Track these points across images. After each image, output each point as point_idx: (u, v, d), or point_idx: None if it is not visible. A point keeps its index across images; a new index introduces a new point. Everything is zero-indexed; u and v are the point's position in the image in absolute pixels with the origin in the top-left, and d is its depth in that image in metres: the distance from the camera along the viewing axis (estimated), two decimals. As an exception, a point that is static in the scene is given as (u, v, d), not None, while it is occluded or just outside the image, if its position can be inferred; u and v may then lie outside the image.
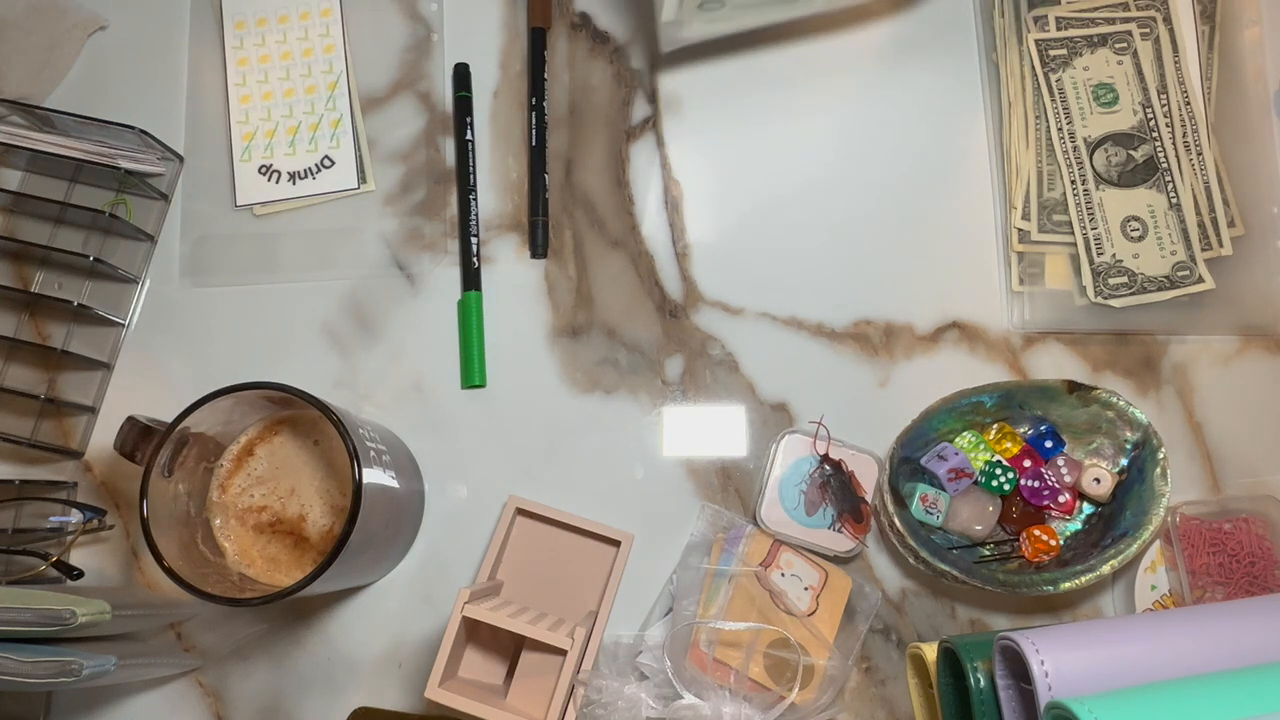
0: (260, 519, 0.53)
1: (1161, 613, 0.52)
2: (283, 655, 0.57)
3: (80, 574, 0.56)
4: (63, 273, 0.61)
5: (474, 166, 0.63)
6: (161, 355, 0.61)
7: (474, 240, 0.61)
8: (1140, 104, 0.61)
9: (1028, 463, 0.57)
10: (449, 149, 0.63)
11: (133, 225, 0.61)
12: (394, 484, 0.52)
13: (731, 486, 0.59)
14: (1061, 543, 0.56)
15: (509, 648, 0.54)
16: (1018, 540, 0.56)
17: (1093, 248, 0.59)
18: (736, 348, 0.61)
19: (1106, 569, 0.53)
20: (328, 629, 0.57)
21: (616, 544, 0.55)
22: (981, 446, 0.57)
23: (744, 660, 0.52)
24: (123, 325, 0.61)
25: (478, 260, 0.61)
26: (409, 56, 0.64)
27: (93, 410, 0.60)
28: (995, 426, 0.58)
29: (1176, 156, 0.59)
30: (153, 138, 0.60)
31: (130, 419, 0.49)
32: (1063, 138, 0.60)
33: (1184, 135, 0.60)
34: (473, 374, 0.60)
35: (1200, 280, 0.58)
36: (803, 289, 0.61)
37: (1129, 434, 0.56)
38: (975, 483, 0.57)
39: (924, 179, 0.62)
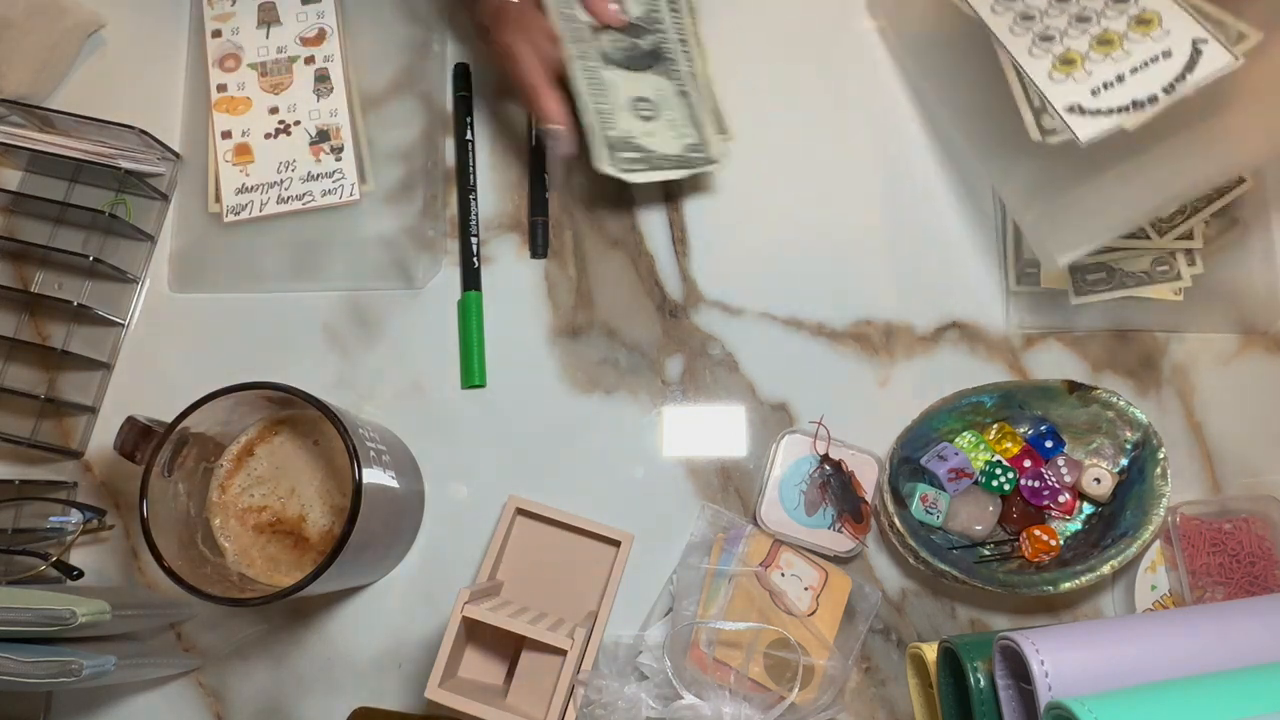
0: (260, 519, 0.53)
1: (1161, 613, 0.52)
2: (283, 655, 0.57)
3: (80, 574, 0.56)
4: (63, 273, 0.61)
5: (474, 166, 0.63)
6: (161, 355, 0.61)
7: (474, 240, 0.61)
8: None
9: (1028, 463, 0.57)
10: (449, 149, 0.63)
11: (133, 225, 0.61)
12: (394, 484, 0.52)
13: (731, 486, 0.59)
14: (1061, 543, 0.56)
15: (509, 648, 0.54)
16: (1018, 540, 0.56)
17: (606, 121, 0.57)
18: (736, 348, 0.60)
19: (1106, 569, 0.53)
20: (328, 629, 0.57)
21: (616, 544, 0.55)
22: (981, 446, 0.57)
23: (744, 660, 0.52)
24: (123, 325, 0.61)
25: (478, 260, 0.61)
26: (409, 56, 0.64)
27: (93, 410, 0.60)
28: (995, 426, 0.58)
29: (685, 49, 0.60)
30: (153, 138, 0.60)
31: (130, 419, 0.49)
32: (565, 19, 0.58)
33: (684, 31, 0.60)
34: (473, 374, 0.60)
35: (712, 161, 0.59)
36: (803, 289, 0.61)
37: (1129, 434, 0.56)
38: (975, 483, 0.57)
39: (923, 178, 0.62)
